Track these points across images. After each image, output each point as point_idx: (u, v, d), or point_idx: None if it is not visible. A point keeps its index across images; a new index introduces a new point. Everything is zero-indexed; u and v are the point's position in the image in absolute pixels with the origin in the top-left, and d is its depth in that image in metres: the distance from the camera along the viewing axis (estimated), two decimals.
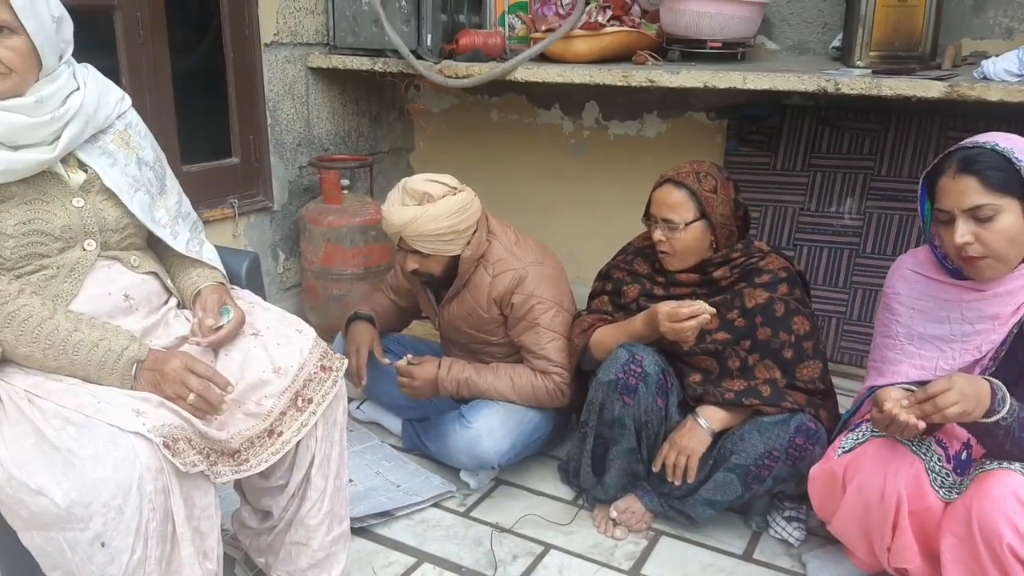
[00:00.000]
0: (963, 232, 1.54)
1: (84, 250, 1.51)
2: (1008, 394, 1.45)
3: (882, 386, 1.63)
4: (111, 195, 1.54)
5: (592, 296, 2.23)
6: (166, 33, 2.59)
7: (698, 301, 1.88)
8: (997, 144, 1.53)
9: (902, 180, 2.79)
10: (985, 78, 2.17)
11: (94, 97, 1.53)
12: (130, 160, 1.59)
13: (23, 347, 1.40)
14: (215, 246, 1.77)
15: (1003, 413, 1.44)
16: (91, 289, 1.50)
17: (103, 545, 1.29)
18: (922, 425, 1.45)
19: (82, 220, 1.50)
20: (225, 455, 1.49)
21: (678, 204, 1.96)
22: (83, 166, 1.53)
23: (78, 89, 1.51)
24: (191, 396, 1.41)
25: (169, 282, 1.66)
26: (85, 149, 1.53)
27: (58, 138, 1.47)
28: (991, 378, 1.49)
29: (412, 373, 2.19)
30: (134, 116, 1.65)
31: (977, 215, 1.53)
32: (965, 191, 1.53)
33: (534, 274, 2.15)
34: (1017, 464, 1.47)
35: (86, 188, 1.52)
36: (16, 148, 1.42)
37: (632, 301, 2.11)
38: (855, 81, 2.26)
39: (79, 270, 1.50)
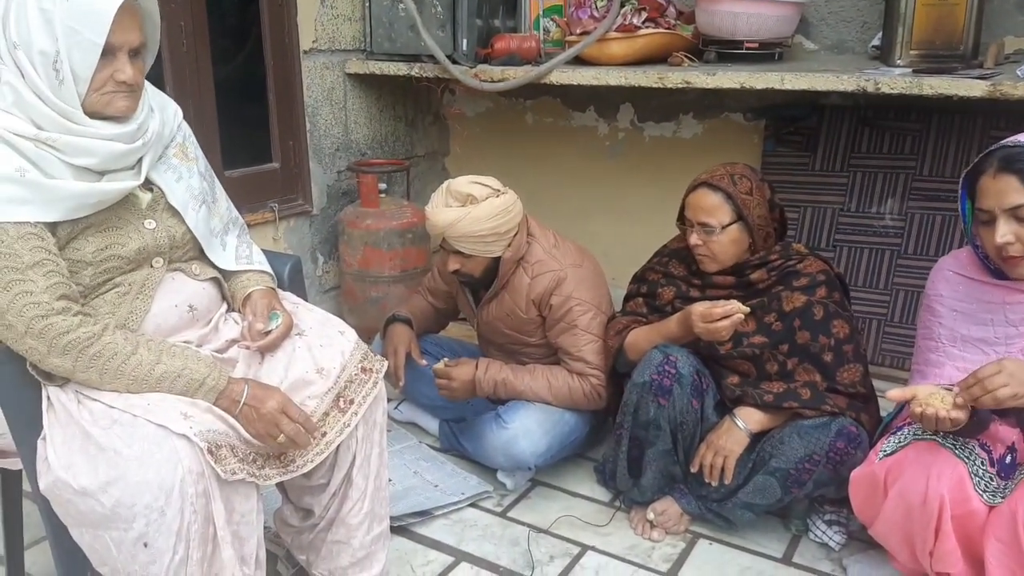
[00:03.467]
0: (1004, 232, 1.52)
1: (152, 267, 1.52)
2: None
3: None
4: (176, 212, 1.56)
5: (627, 298, 2.23)
6: (208, 41, 2.64)
7: (732, 301, 1.87)
8: None
9: (945, 180, 2.74)
10: None
11: (159, 115, 1.54)
12: (192, 172, 1.60)
13: (108, 383, 1.39)
14: None
15: None
16: (160, 303, 1.52)
17: (146, 545, 1.32)
18: (955, 415, 1.44)
19: (155, 241, 1.51)
20: (272, 458, 1.51)
21: (714, 207, 1.95)
22: (148, 184, 1.53)
23: (152, 111, 1.52)
24: (281, 437, 1.44)
25: (226, 286, 1.68)
26: (154, 166, 1.53)
27: (139, 161, 1.49)
28: None
29: (449, 374, 2.21)
30: (186, 126, 1.66)
31: (1018, 214, 1.51)
32: (1006, 190, 1.51)
33: (573, 276, 2.16)
34: None
35: (152, 207, 1.53)
36: (101, 175, 1.43)
37: (667, 303, 2.11)
38: (895, 80, 2.23)
39: (149, 286, 1.51)
